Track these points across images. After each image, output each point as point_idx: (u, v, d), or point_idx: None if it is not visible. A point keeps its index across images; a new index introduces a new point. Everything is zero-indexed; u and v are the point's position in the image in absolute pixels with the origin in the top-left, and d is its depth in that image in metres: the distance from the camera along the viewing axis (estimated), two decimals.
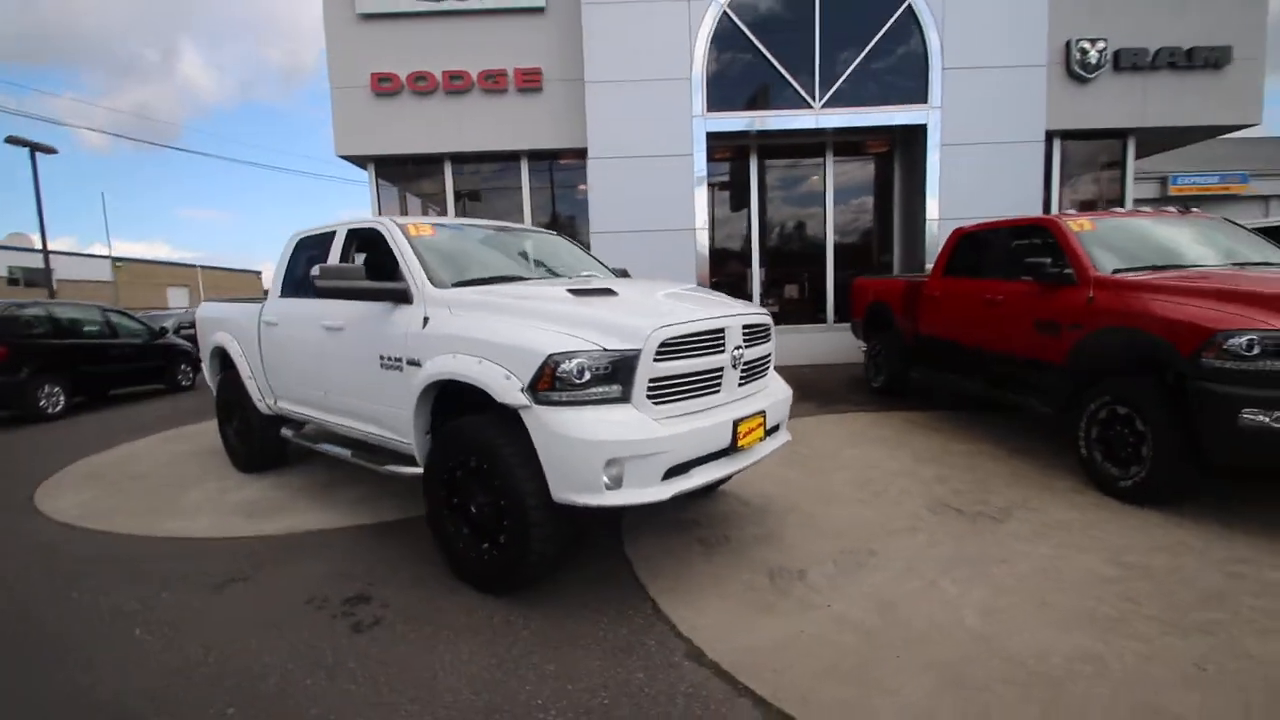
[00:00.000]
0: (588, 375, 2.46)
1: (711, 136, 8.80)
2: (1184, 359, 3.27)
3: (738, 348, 2.91)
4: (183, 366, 10.43)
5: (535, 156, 9.55)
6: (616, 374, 2.49)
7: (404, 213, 9.85)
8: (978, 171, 8.86)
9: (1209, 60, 9.29)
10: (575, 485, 2.44)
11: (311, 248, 4.22)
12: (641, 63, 8.61)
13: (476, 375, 2.64)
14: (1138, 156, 10.14)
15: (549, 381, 2.46)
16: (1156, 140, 10.24)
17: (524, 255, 3.97)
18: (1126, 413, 3.62)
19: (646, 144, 8.71)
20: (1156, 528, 3.21)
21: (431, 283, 3.14)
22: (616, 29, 8.57)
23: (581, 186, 9.44)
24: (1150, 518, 3.33)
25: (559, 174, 9.84)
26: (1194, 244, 4.33)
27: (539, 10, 8.94)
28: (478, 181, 9.88)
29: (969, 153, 8.84)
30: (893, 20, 8.67)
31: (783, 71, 8.76)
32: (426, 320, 2.98)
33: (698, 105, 8.69)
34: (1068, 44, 9.18)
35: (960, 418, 5.68)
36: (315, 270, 3.30)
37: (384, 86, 8.95)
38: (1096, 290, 3.96)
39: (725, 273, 9.78)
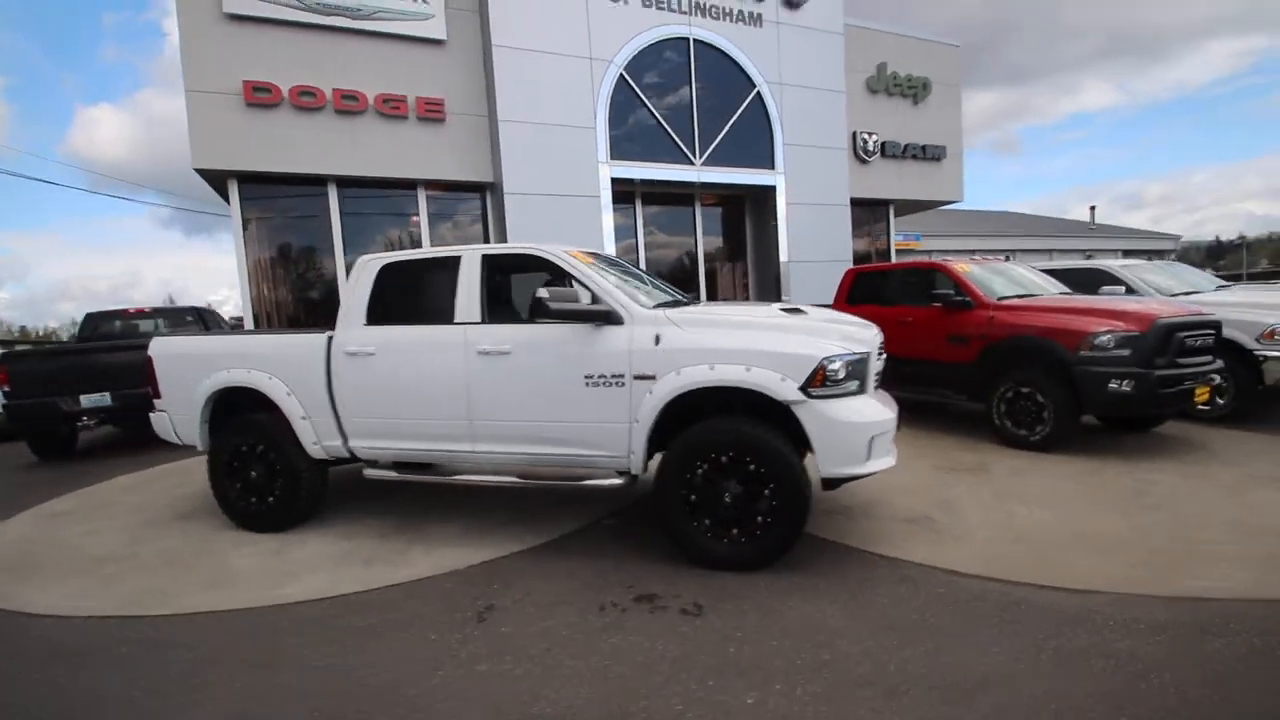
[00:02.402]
0: (843, 373, 3.17)
1: (615, 181, 9.66)
2: (1069, 352, 5.15)
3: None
4: None
5: (433, 187, 9.29)
6: (856, 372, 3.24)
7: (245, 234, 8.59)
8: (809, 224, 11.22)
9: (934, 155, 13.18)
10: (845, 460, 3.12)
11: (406, 274, 4.03)
12: (552, 107, 9.14)
13: (748, 380, 3.13)
14: (897, 216, 13.77)
15: (820, 380, 3.11)
16: (906, 209, 14.01)
17: (641, 280, 4.35)
18: (1029, 391, 5.43)
19: (558, 184, 9.20)
20: (1069, 462, 4.96)
21: (638, 304, 3.47)
22: (528, 74, 8.98)
23: (472, 222, 9.45)
24: (1060, 457, 5.10)
25: (457, 206, 9.68)
26: (1025, 280, 6.55)
27: (439, 42, 8.89)
28: (363, 207, 9.18)
29: (802, 210, 11.15)
30: (747, 102, 10.63)
31: (670, 132, 10.07)
32: (659, 338, 3.32)
33: (603, 153, 9.50)
34: (854, 134, 12.20)
35: None
36: (543, 293, 3.34)
37: (260, 97, 7.95)
38: (995, 311, 5.82)
39: None
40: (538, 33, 9.01)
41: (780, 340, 3.21)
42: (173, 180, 29.81)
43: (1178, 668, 2.25)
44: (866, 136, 12.34)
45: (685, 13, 9.99)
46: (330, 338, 4.00)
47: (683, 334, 3.32)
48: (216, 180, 8.41)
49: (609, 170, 9.55)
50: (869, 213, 13.16)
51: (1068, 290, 6.55)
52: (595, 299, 3.48)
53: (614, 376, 3.37)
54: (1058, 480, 4.47)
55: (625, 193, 10.47)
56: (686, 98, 10.20)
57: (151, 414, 4.58)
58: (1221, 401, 6.02)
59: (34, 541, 4.37)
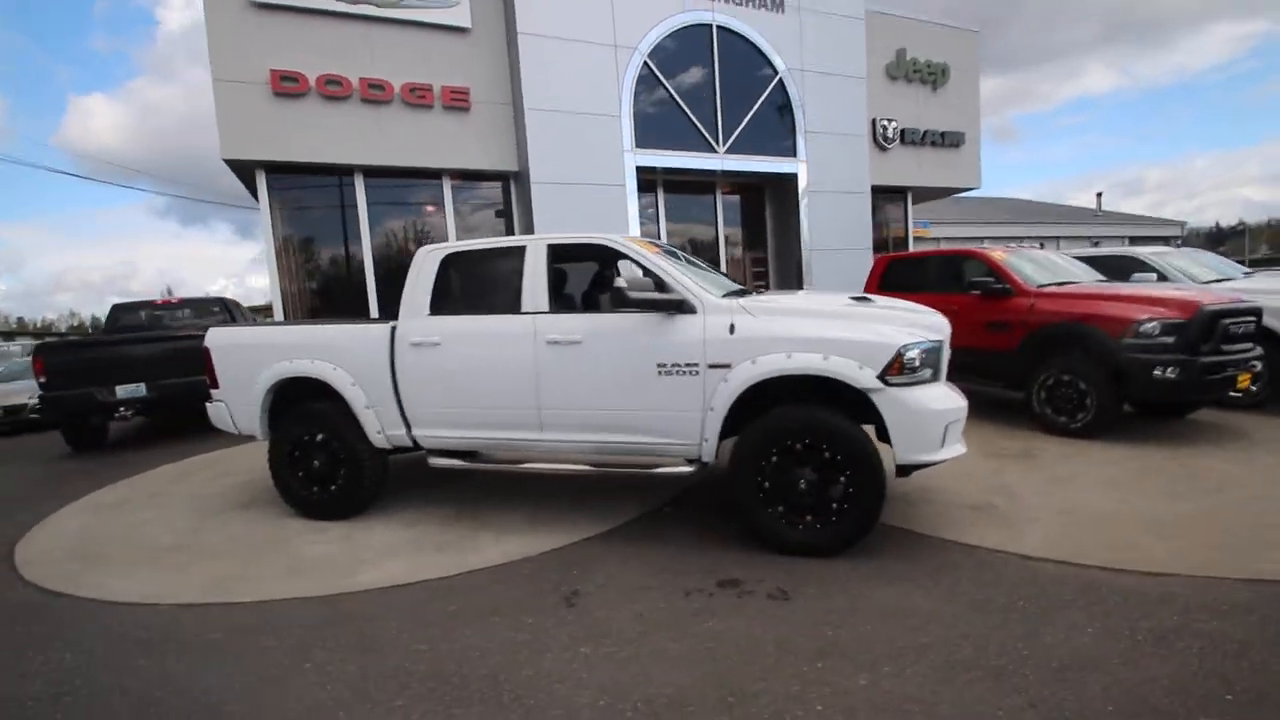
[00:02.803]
0: (919, 362, 3.20)
1: (640, 170, 9.63)
2: (1113, 339, 5.18)
3: None
4: None
5: (458, 176, 9.26)
6: (931, 360, 3.27)
7: (274, 224, 8.55)
8: (830, 211, 11.21)
9: (953, 141, 13.14)
10: (921, 447, 3.16)
11: (469, 264, 4.06)
12: (577, 95, 9.09)
13: (825, 368, 3.16)
14: (915, 203, 13.75)
15: (898, 368, 3.14)
16: (923, 196, 13.99)
17: (701, 269, 4.36)
18: (1070, 379, 5.47)
19: (584, 173, 9.18)
20: (1112, 448, 5.01)
21: (708, 294, 3.50)
22: (553, 62, 8.92)
23: (497, 211, 9.44)
24: (1102, 444, 5.14)
25: (483, 196, 9.65)
26: (1061, 267, 6.57)
27: (464, 30, 8.82)
28: (389, 197, 9.15)
29: (823, 198, 11.14)
30: (770, 89, 10.57)
31: (694, 119, 10.03)
32: (733, 327, 3.35)
33: (628, 141, 9.46)
34: (873, 121, 12.15)
35: None
36: (622, 282, 3.35)
37: (287, 86, 7.91)
38: (1036, 299, 5.85)
39: None
40: (562, 20, 8.94)
41: (857, 329, 3.24)
42: (168, 168, 29.61)
43: (1273, 646, 2.30)
44: (886, 123, 12.29)
45: None
46: (394, 328, 4.03)
47: (756, 322, 3.34)
48: (245, 171, 8.38)
49: (635, 159, 9.52)
50: (887, 199, 13.14)
51: (1103, 278, 6.57)
52: (666, 288, 3.49)
53: (688, 365, 3.40)
54: (1106, 466, 4.52)
55: (648, 181, 10.45)
56: (710, 85, 10.15)
57: (208, 404, 4.61)
58: (1255, 389, 6.07)
59: (96, 531, 4.42)
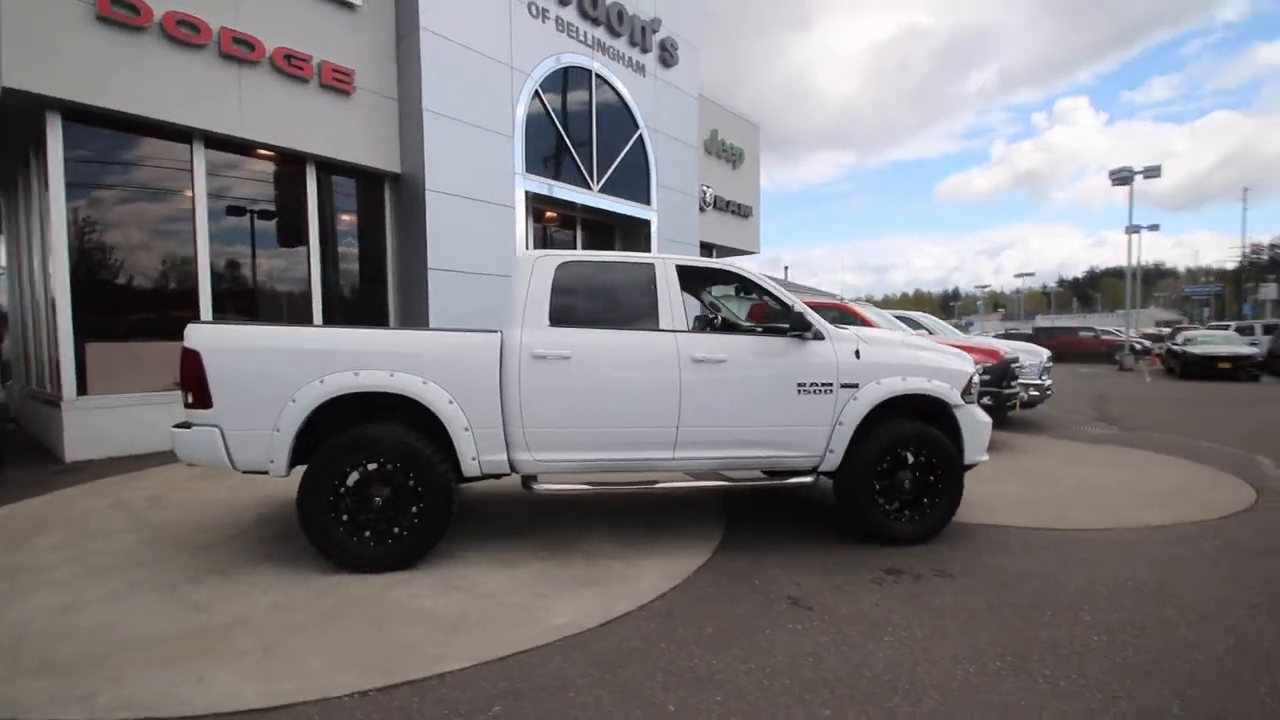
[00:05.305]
0: (978, 385, 4.22)
1: (528, 195, 9.49)
2: None
3: None
4: None
5: (328, 168, 7.91)
6: (977, 385, 4.32)
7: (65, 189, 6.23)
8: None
9: (745, 212, 15.76)
10: (979, 450, 4.15)
11: (585, 275, 3.89)
12: (477, 108, 8.65)
13: (929, 389, 3.95)
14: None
15: (968, 389, 4.11)
16: (725, 253, 16.29)
17: None
18: None
19: (480, 188, 8.71)
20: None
21: (826, 324, 4.03)
22: (455, 67, 8.38)
23: (346, 216, 8.37)
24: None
25: (346, 192, 8.35)
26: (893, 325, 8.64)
27: (352, 6, 7.75)
28: (234, 176, 7.32)
29: (669, 245, 12.34)
30: (633, 141, 11.46)
31: (575, 154, 10.30)
32: (859, 353, 3.93)
33: (519, 164, 9.28)
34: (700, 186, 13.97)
35: None
36: (801, 307, 3.59)
37: (121, 14, 5.97)
38: None
39: None
40: (465, 27, 8.49)
41: (945, 358, 4.13)
42: None
43: (1233, 550, 3.74)
44: (705, 189, 14.21)
45: (591, 47, 10.42)
46: (507, 338, 3.59)
47: (874, 350, 4.00)
48: (24, 112, 5.90)
49: (525, 182, 9.35)
50: (703, 252, 15.04)
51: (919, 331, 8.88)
52: (793, 314, 3.91)
53: (824, 384, 3.86)
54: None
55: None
56: (588, 126, 10.57)
57: (178, 429, 3.36)
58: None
59: (41, 625, 2.82)
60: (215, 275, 7.02)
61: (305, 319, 7.67)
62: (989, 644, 2.72)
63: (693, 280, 4.42)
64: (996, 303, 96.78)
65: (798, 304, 3.99)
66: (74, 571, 3.41)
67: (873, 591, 3.27)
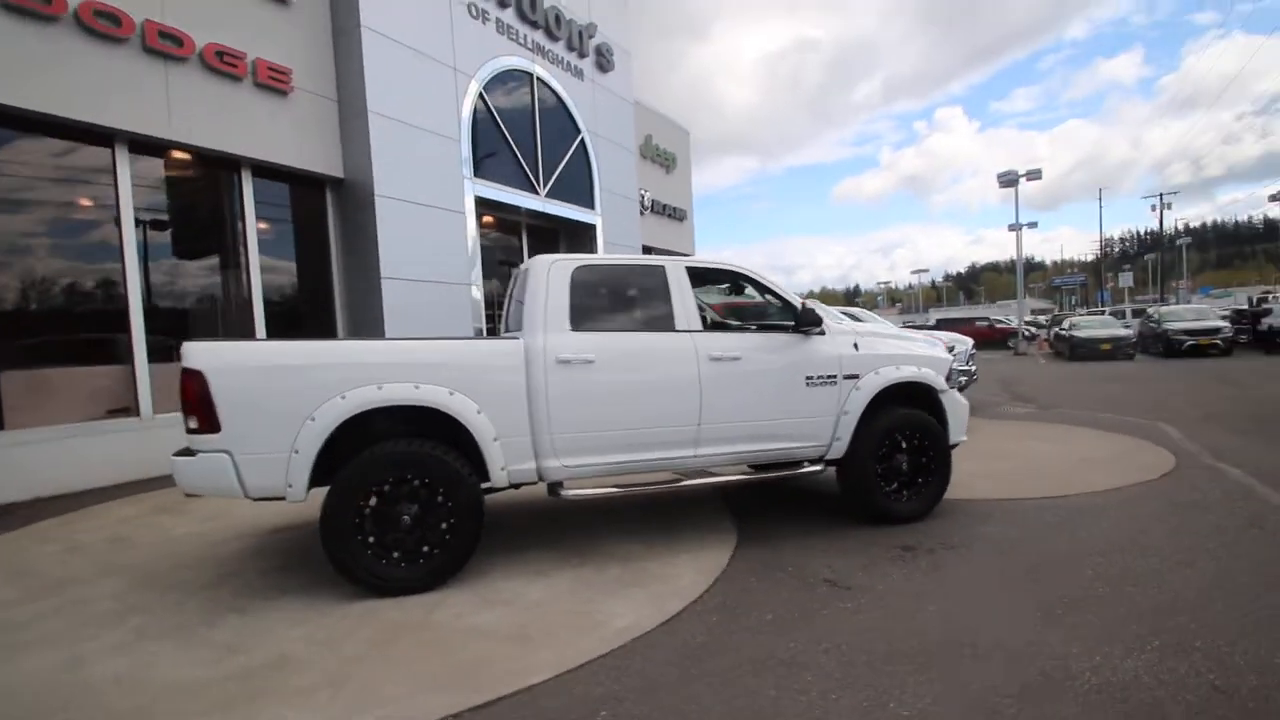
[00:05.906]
0: (956, 371, 4.60)
1: (478, 200, 9.26)
2: None
3: None
4: None
5: (264, 172, 7.39)
6: (955, 370, 4.70)
7: None
8: None
9: (679, 216, 16.09)
10: (960, 431, 4.52)
11: (600, 279, 3.90)
12: (423, 110, 8.36)
13: (920, 377, 4.26)
14: None
15: (949, 376, 4.47)
16: (666, 255, 16.51)
17: None
18: None
19: (429, 193, 8.41)
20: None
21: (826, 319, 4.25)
22: (399, 68, 8.06)
23: (285, 224, 7.91)
24: None
25: (280, 198, 7.82)
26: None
27: (283, 2, 7.29)
28: (164, 182, 6.67)
29: (614, 249, 12.41)
30: (575, 145, 11.44)
31: (521, 159, 10.15)
32: (857, 345, 4.17)
33: (467, 169, 9.04)
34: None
35: None
36: (811, 304, 3.75)
37: (30, 2, 5.32)
38: None
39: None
40: (405, 26, 8.18)
41: (929, 349, 4.47)
42: None
43: (1178, 507, 4.26)
44: (643, 192, 14.38)
45: (531, 50, 10.31)
46: (529, 344, 3.55)
47: (869, 342, 4.27)
48: None
49: (474, 187, 9.12)
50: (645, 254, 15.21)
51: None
52: (802, 311, 4.11)
53: (829, 377, 4.08)
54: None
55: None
56: (532, 130, 10.44)
57: (180, 459, 3.09)
58: None
59: (47, 684, 2.48)
60: (146, 290, 6.39)
61: (248, 333, 7.13)
62: (1018, 604, 3.00)
63: (700, 281, 4.53)
64: (894, 298, 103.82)
65: (800, 301, 4.19)
66: (59, 625, 3.04)
67: (899, 567, 3.50)
